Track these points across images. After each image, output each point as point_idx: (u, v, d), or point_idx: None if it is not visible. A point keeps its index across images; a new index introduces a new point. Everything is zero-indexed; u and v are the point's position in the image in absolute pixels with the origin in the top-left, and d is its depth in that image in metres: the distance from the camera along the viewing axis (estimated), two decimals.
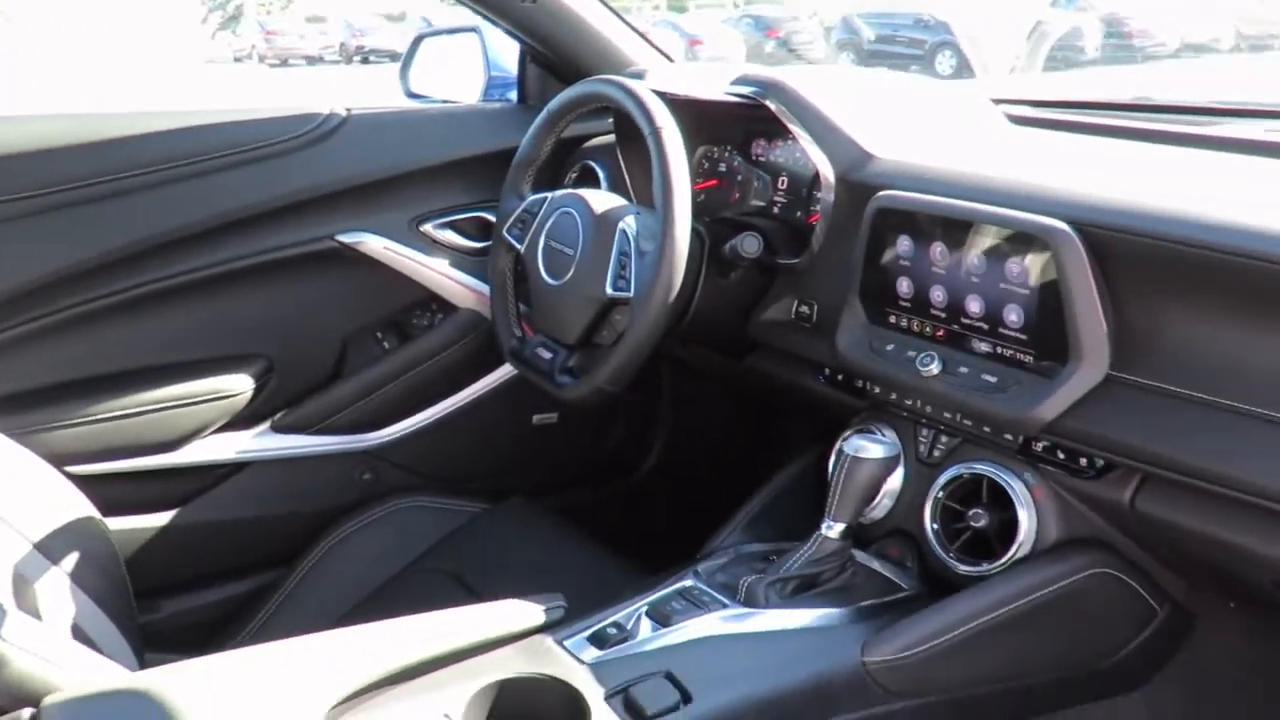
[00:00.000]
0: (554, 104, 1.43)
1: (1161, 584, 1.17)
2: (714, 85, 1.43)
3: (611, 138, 1.62)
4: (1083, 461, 1.06)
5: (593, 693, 0.93)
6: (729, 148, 1.53)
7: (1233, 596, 1.21)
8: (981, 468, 1.15)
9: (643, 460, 1.97)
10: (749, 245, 1.30)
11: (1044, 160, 1.29)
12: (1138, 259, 1.00)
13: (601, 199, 1.37)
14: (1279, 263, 0.89)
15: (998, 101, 1.57)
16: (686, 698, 0.94)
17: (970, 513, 1.14)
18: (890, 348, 1.19)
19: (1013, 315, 1.07)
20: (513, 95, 1.82)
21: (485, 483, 1.75)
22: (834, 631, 1.05)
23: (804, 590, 1.11)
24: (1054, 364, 1.04)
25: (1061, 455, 1.08)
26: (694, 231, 1.31)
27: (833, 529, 1.11)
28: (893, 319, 1.20)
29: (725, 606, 1.08)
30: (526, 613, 1.02)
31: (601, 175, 1.63)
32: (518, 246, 1.45)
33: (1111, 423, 1.01)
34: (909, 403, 1.21)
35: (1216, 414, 0.95)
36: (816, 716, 1.00)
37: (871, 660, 1.02)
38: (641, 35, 1.69)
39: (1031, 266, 1.05)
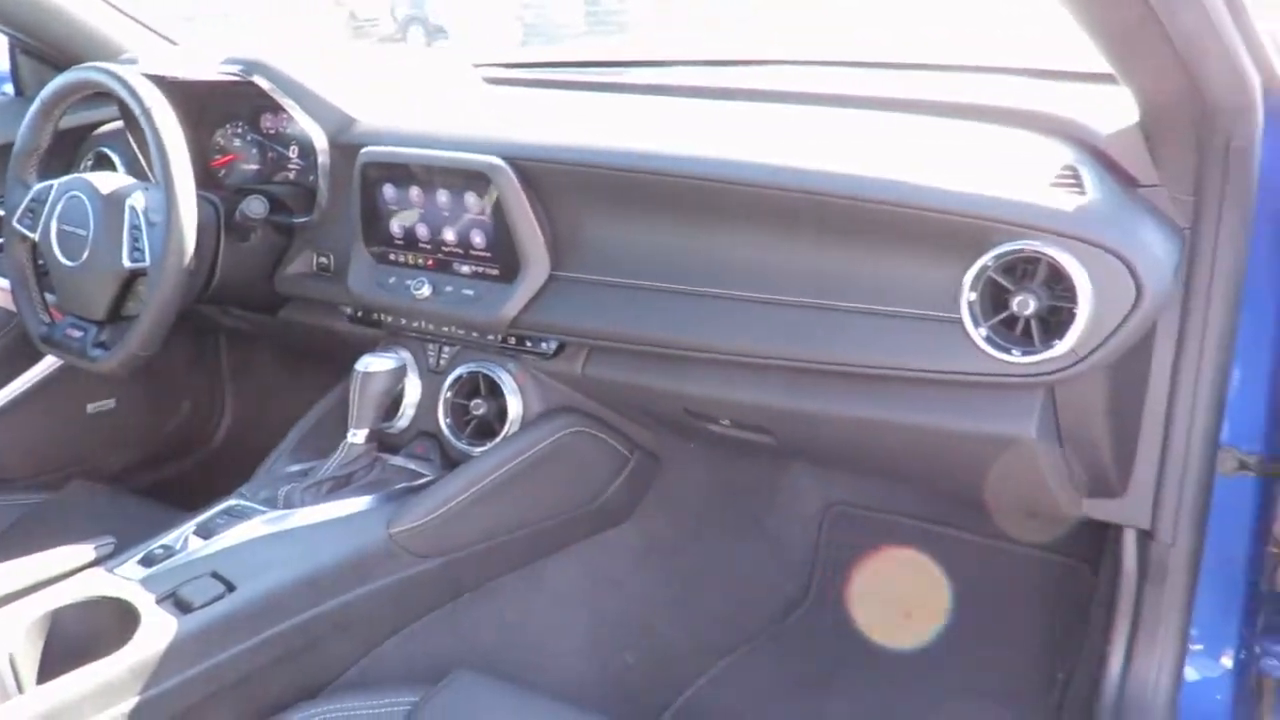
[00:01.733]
0: (44, 93, 1.48)
1: (629, 435, 1.50)
2: (206, 67, 1.56)
3: (121, 123, 1.68)
4: (543, 346, 1.35)
5: (143, 601, 1.07)
6: (240, 124, 1.66)
7: (688, 438, 1.57)
8: (476, 366, 1.40)
9: (213, 434, 2.06)
10: (254, 208, 1.46)
11: (500, 112, 1.56)
12: (560, 183, 1.29)
13: (107, 179, 1.45)
14: (658, 174, 1.20)
15: (478, 65, 1.83)
16: (231, 588, 1.10)
17: (472, 403, 1.40)
18: (392, 280, 1.41)
19: (478, 239, 1.33)
20: (9, 89, 1.81)
21: (51, 476, 1.76)
22: (364, 515, 1.26)
23: (338, 490, 1.30)
24: (512, 273, 1.31)
25: (528, 344, 1.36)
26: (209, 201, 1.44)
27: (357, 435, 1.32)
28: (392, 256, 1.42)
29: (265, 514, 1.24)
30: (77, 553, 1.13)
31: (116, 159, 1.69)
32: (31, 235, 1.49)
33: (558, 312, 1.30)
34: (414, 324, 1.44)
35: (633, 292, 1.27)
36: (353, 584, 1.20)
37: (397, 530, 1.24)
38: (140, 22, 1.76)
39: (485, 198, 1.30)
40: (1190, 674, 1.24)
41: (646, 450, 1.53)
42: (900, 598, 1.69)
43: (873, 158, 1.11)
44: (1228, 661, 1.22)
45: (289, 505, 1.25)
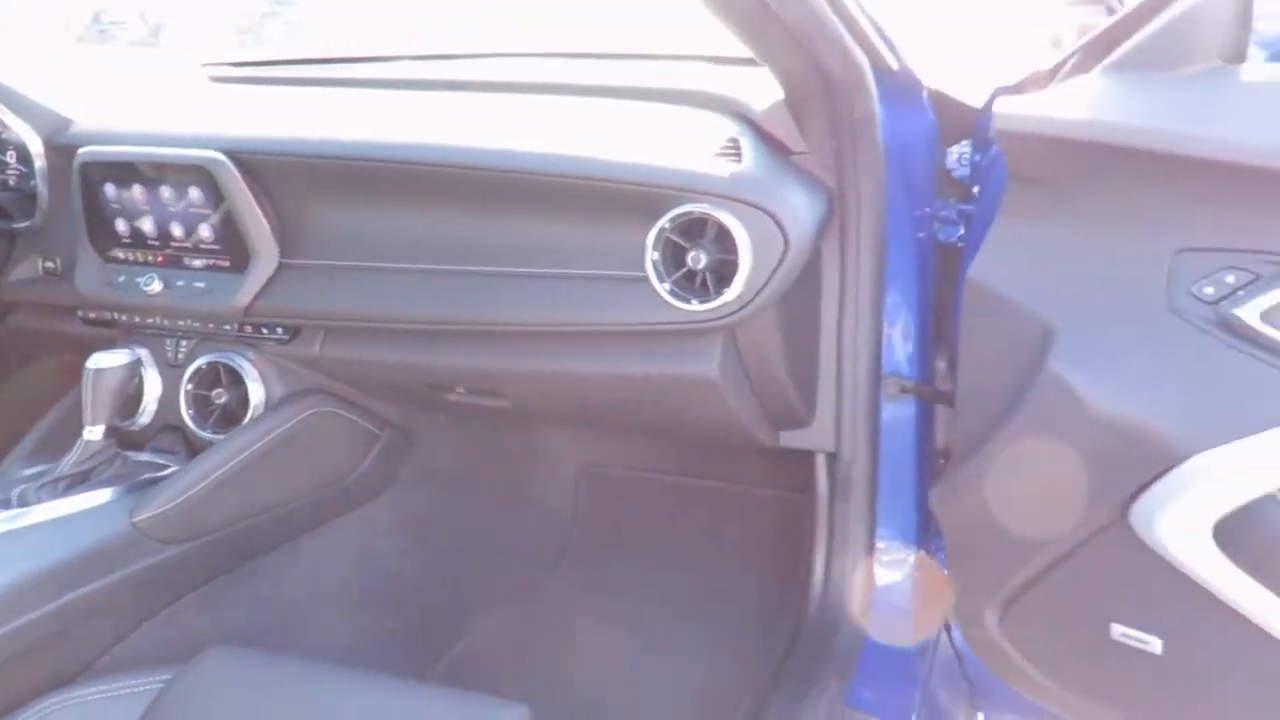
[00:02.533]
0: None
1: (377, 412, 1.57)
2: None
3: None
4: (279, 331, 1.40)
5: None
6: None
7: (436, 411, 1.66)
8: (215, 357, 1.44)
9: None
10: None
11: (222, 108, 1.59)
12: (282, 174, 1.34)
13: None
14: (371, 161, 1.28)
15: (205, 65, 1.84)
16: None
17: (214, 393, 1.44)
18: (121, 278, 1.42)
19: (206, 232, 1.37)
20: None
21: None
22: (105, 506, 1.28)
23: (76, 485, 1.32)
24: (242, 264, 1.36)
25: (264, 331, 1.41)
26: None
27: (93, 432, 1.33)
28: (120, 255, 1.43)
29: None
30: None
31: None
32: None
33: (290, 297, 1.36)
34: (148, 320, 1.46)
35: (360, 274, 1.34)
36: (99, 573, 1.22)
37: (140, 518, 1.27)
38: None
39: (208, 191, 1.34)
40: (879, 574, 1.45)
41: (396, 426, 1.61)
42: (649, 550, 1.84)
43: (565, 138, 1.24)
44: (908, 560, 1.43)
45: (24, 504, 1.26)
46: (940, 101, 1.27)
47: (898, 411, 1.38)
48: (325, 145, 1.31)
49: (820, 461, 1.42)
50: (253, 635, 1.40)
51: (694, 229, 1.16)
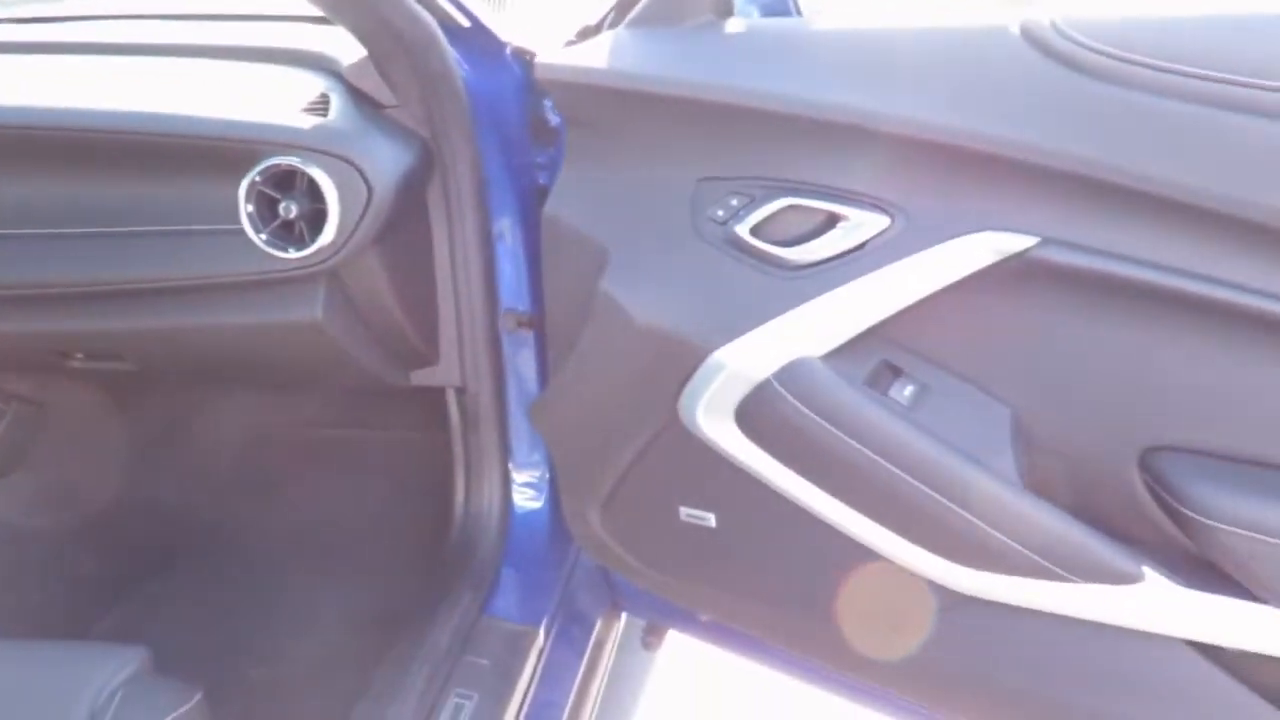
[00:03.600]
0: None
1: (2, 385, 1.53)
2: None
3: None
4: None
5: None
6: None
7: (68, 380, 1.63)
8: None
9: None
10: None
11: None
12: None
13: None
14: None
15: None
16: None
17: None
18: None
19: None
20: None
21: None
22: None
23: None
24: None
25: None
26: None
27: None
28: None
29: None
30: None
31: None
32: None
33: None
34: None
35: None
36: None
37: None
38: None
39: None
40: (515, 497, 1.57)
41: (24, 399, 1.57)
42: (307, 503, 1.88)
43: (159, 98, 1.26)
44: (540, 481, 1.56)
45: None
46: (525, 57, 1.39)
47: (520, 344, 1.50)
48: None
49: (451, 396, 1.52)
50: None
51: (286, 181, 1.22)
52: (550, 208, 1.20)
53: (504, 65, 1.38)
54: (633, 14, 1.14)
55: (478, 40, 1.33)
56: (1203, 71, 0.86)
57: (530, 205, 1.48)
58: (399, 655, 1.32)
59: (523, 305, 1.48)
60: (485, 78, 1.34)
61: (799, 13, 1.19)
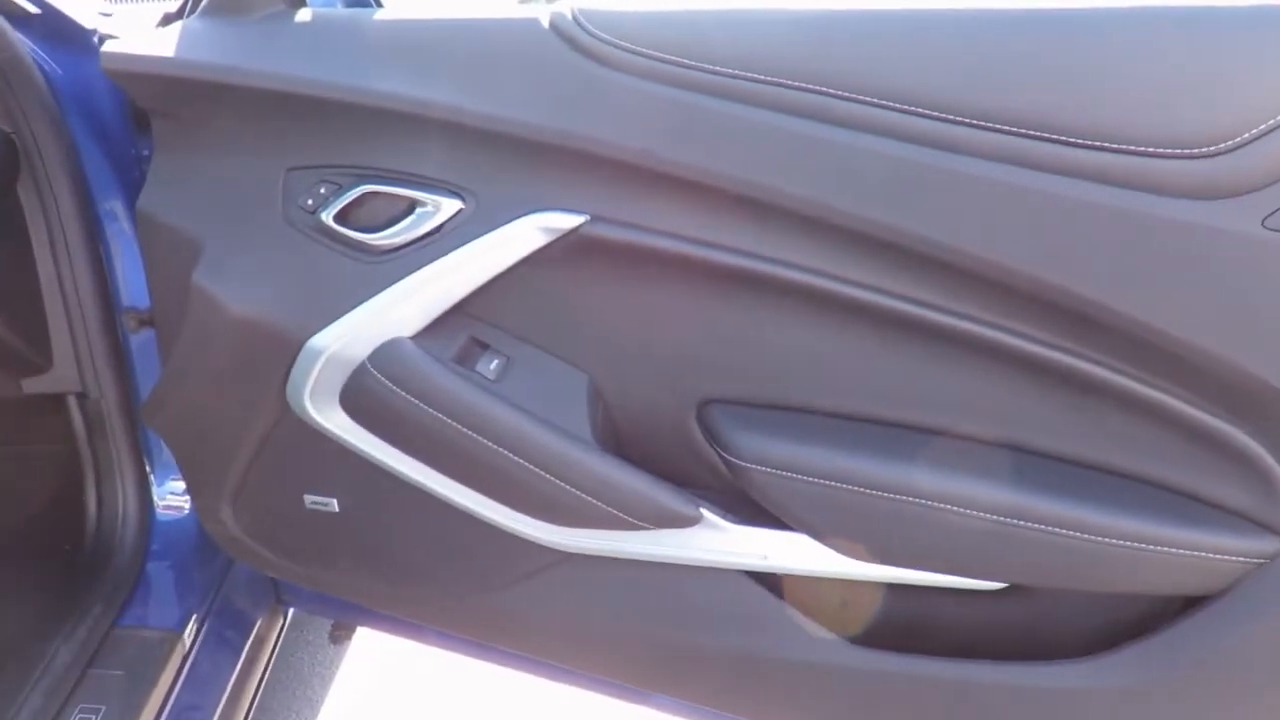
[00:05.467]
0: None
1: None
2: None
3: None
4: None
5: None
6: None
7: None
8: None
9: None
10: None
11: None
12: None
13: None
14: None
15: None
16: None
17: None
18: None
19: None
20: None
21: None
22: None
23: None
24: None
25: None
26: None
27: None
28: None
29: None
30: None
31: None
32: None
33: None
34: None
35: None
36: None
37: None
38: None
39: None
40: (160, 502, 1.52)
41: None
42: None
43: None
44: (180, 482, 1.51)
45: None
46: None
47: (147, 343, 1.45)
48: None
49: (72, 403, 1.45)
50: None
51: None
52: (142, 203, 1.17)
53: (92, 52, 1.32)
54: (204, 2, 1.13)
55: (55, 26, 1.26)
56: (712, 67, 0.96)
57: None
58: (11, 680, 1.25)
59: (144, 303, 1.43)
60: (71, 66, 1.28)
61: (379, 4, 1.21)
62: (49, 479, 1.55)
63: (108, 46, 1.10)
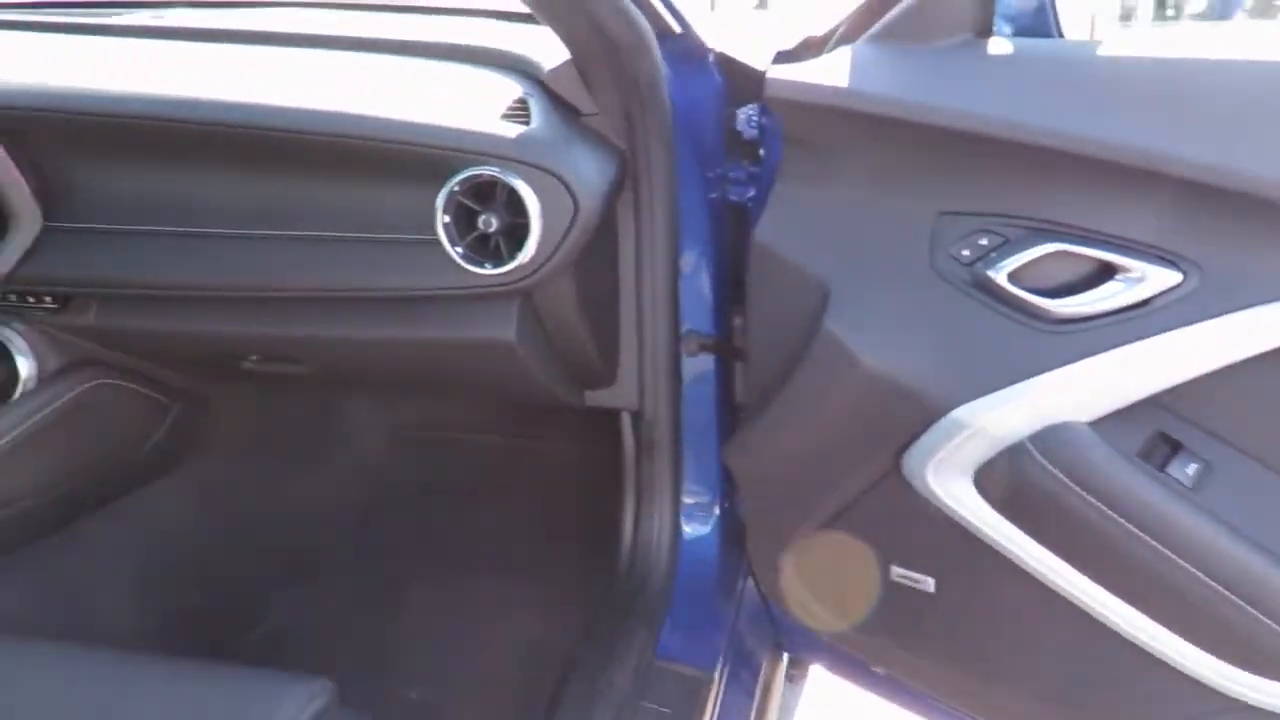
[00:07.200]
0: None
1: (166, 382, 1.49)
2: None
3: None
4: (48, 300, 1.31)
5: None
6: None
7: (231, 379, 1.59)
8: None
9: None
10: None
11: None
12: (40, 129, 1.24)
13: None
14: (137, 119, 1.19)
15: None
16: None
17: None
18: None
19: None
20: None
21: None
22: None
23: None
24: (2, 229, 1.25)
25: (31, 300, 1.32)
26: None
27: None
28: None
29: None
30: None
31: None
32: None
33: (57, 264, 1.27)
34: None
35: (133, 238, 1.26)
36: None
37: None
38: None
39: None
40: (686, 528, 1.48)
41: (190, 396, 1.54)
42: (459, 513, 1.81)
43: (348, 96, 1.19)
44: (712, 512, 1.47)
45: None
46: (727, 65, 1.29)
47: (699, 368, 1.41)
48: (85, 100, 1.21)
49: (625, 420, 1.44)
50: (34, 623, 1.32)
51: (485, 192, 1.14)
52: (761, 234, 1.10)
53: (705, 72, 1.29)
54: (877, 27, 1.03)
55: (683, 45, 1.23)
56: None
57: (720, 222, 1.38)
58: (578, 694, 1.24)
59: (705, 327, 1.39)
60: (686, 85, 1.25)
61: (1061, 33, 1.06)
62: (592, 491, 1.57)
63: (773, 73, 1.03)
